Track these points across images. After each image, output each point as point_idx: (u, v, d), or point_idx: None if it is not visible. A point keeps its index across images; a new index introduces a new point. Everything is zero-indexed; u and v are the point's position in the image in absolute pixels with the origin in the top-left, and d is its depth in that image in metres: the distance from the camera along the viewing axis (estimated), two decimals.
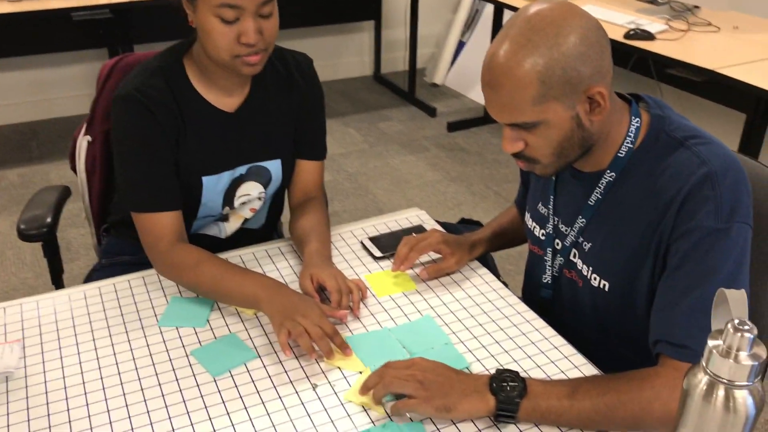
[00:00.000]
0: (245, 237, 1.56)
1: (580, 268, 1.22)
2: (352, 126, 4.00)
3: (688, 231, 1.05)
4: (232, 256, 1.44)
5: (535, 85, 1.02)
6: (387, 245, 1.45)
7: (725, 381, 0.80)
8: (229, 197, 1.46)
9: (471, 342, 1.21)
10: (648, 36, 2.71)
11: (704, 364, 0.81)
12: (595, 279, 1.20)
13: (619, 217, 1.15)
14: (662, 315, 1.07)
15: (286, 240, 1.51)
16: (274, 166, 1.48)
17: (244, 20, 1.24)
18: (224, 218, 1.50)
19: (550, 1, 1.05)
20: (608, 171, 1.15)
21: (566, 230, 1.24)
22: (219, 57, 1.28)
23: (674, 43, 2.69)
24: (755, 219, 1.26)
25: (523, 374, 1.06)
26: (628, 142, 1.13)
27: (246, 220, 1.53)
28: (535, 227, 1.32)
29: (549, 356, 1.18)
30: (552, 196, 1.26)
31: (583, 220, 1.20)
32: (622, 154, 1.13)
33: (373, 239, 1.48)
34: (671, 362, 1.02)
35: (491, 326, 1.25)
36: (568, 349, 1.19)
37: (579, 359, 1.17)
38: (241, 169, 1.44)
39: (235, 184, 1.45)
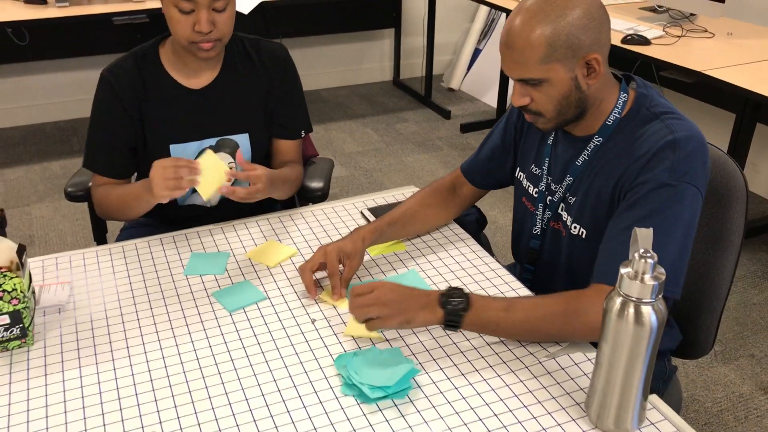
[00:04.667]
0: (234, 206, 1.74)
1: (564, 219, 1.42)
2: (370, 127, 4.22)
3: (643, 182, 1.25)
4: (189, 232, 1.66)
5: (543, 47, 1.22)
6: (382, 214, 1.65)
7: (634, 299, 0.99)
8: None
9: None
10: (644, 41, 2.89)
11: (618, 288, 1.01)
12: (575, 228, 1.40)
13: (598, 174, 1.35)
14: (602, 248, 1.27)
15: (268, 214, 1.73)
16: (243, 140, 1.72)
17: (199, 12, 1.50)
18: None
19: None
20: (596, 136, 1.35)
21: (556, 188, 1.44)
22: (179, 42, 1.56)
23: (668, 48, 2.87)
24: (708, 195, 1.44)
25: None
26: (615, 113, 1.33)
27: None
28: (529, 186, 1.51)
29: None
30: (547, 159, 1.46)
31: (571, 178, 1.40)
32: (609, 122, 1.34)
33: (371, 209, 1.69)
34: (596, 285, 1.22)
35: (467, 279, 1.45)
36: (526, 292, 1.39)
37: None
38: (210, 141, 1.70)
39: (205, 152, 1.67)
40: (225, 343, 1.27)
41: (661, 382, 1.47)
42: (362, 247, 1.45)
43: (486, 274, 1.47)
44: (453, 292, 1.25)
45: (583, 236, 1.38)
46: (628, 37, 2.92)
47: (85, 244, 2.94)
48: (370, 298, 1.25)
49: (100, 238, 1.91)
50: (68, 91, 4.17)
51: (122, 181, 1.70)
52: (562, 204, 1.43)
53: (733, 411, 2.18)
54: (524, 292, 1.41)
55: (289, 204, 2.00)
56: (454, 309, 1.22)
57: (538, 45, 1.22)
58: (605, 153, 1.34)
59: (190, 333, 1.30)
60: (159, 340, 1.28)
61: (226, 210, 1.76)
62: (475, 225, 1.83)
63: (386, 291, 1.26)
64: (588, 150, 1.36)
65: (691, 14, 3.19)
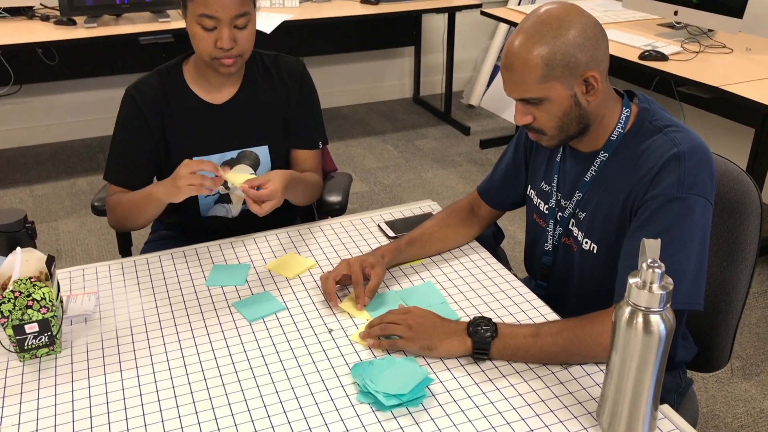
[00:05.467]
0: (254, 218, 1.79)
1: (575, 234, 1.44)
2: (390, 143, 4.27)
3: (653, 197, 1.27)
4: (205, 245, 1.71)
5: (541, 67, 1.26)
6: (400, 227, 1.69)
7: (643, 308, 1.01)
8: None
9: (463, 302, 1.44)
10: (661, 57, 2.91)
11: (627, 298, 1.03)
12: (586, 243, 1.42)
13: (607, 189, 1.37)
14: (621, 267, 1.29)
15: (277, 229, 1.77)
16: (262, 152, 1.77)
17: (221, 29, 1.56)
18: (227, 199, 1.77)
19: (558, 2, 1.32)
20: (602, 152, 1.37)
21: (566, 203, 1.46)
22: (201, 58, 1.62)
23: (686, 63, 2.88)
24: (722, 209, 1.46)
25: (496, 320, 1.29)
26: (619, 128, 1.36)
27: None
28: (540, 203, 1.54)
29: (529, 315, 1.40)
30: (556, 175, 1.49)
31: (580, 194, 1.42)
32: (614, 137, 1.36)
33: (388, 222, 1.73)
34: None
35: (482, 291, 1.47)
36: (546, 310, 1.42)
37: (553, 317, 1.39)
38: (232, 153, 1.75)
39: (227, 165, 1.74)
40: (245, 351, 1.31)
41: (676, 394, 1.47)
42: (383, 262, 1.48)
43: (501, 286, 1.49)
44: (480, 321, 1.27)
45: (595, 251, 1.40)
46: (646, 54, 2.94)
47: (111, 257, 2.99)
48: (399, 318, 1.29)
49: (125, 252, 1.96)
50: (95, 109, 4.27)
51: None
52: (572, 220, 1.45)
53: (754, 427, 2.17)
54: (539, 305, 1.43)
55: (307, 217, 2.04)
56: (482, 337, 1.24)
57: (535, 65, 1.26)
58: (612, 168, 1.36)
59: (211, 342, 1.33)
60: (181, 348, 1.31)
61: (247, 222, 1.80)
62: (491, 239, 1.86)
63: (416, 315, 1.30)
64: (595, 165, 1.38)
65: (710, 30, 3.20)
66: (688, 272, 1.23)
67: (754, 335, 2.57)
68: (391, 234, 1.68)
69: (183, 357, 1.29)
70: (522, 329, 1.27)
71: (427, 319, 1.29)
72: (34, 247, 1.39)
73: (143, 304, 1.45)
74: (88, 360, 1.29)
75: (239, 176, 1.53)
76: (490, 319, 1.27)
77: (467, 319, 1.34)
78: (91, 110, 4.27)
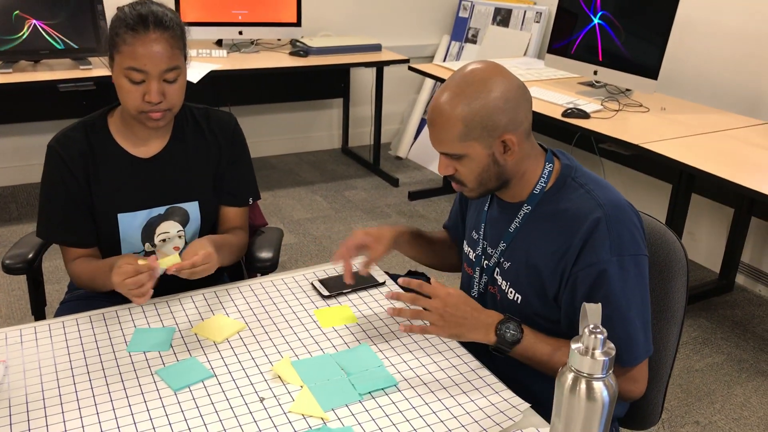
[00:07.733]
0: (178, 276, 1.73)
1: (500, 283, 1.46)
2: (319, 194, 4.23)
3: (590, 264, 1.30)
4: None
5: (460, 126, 1.29)
6: (333, 286, 1.65)
7: (585, 375, 1.00)
8: (148, 234, 1.67)
9: (400, 365, 1.40)
10: (583, 114, 3.01)
11: (569, 364, 1.02)
12: (511, 293, 1.43)
13: (532, 243, 1.39)
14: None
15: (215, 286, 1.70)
16: (192, 208, 1.71)
17: (149, 82, 1.51)
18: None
19: (485, 62, 1.35)
20: (525, 204, 1.40)
21: (491, 252, 1.47)
22: (128, 110, 1.55)
23: (606, 121, 2.99)
24: (650, 268, 1.48)
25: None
26: (541, 182, 1.39)
27: None
28: (469, 251, 1.56)
29: (459, 370, 1.37)
30: (483, 224, 1.50)
31: (504, 243, 1.43)
32: (536, 191, 1.39)
33: (321, 281, 1.68)
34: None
35: (419, 353, 1.44)
36: (476, 364, 1.40)
37: (484, 371, 1.36)
38: (160, 209, 1.68)
39: (154, 222, 1.68)
40: (170, 424, 1.22)
41: None
42: (390, 240, 1.57)
43: (438, 347, 1.46)
44: (509, 324, 1.33)
45: (518, 301, 1.42)
46: (569, 111, 3.04)
47: (21, 317, 2.82)
48: (433, 305, 1.32)
49: (38, 313, 1.83)
50: (8, 158, 4.06)
51: (91, 251, 1.67)
52: (497, 269, 1.46)
53: None
54: (470, 360, 1.40)
55: (236, 275, 1.97)
56: (504, 339, 1.32)
57: (455, 124, 1.29)
58: (535, 221, 1.39)
59: (132, 414, 1.24)
60: (99, 422, 1.22)
61: (171, 280, 1.72)
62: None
63: (448, 305, 1.32)
64: (519, 217, 1.41)
65: (627, 89, 3.34)
66: (639, 329, 1.29)
67: (677, 387, 2.63)
68: (325, 293, 1.63)
69: (102, 431, 1.20)
70: (545, 342, 1.35)
71: (459, 309, 1.33)
72: None
73: (58, 372, 1.34)
74: None
75: (168, 259, 1.47)
76: (519, 323, 1.34)
77: (403, 383, 1.31)
78: (4, 159, 4.06)
